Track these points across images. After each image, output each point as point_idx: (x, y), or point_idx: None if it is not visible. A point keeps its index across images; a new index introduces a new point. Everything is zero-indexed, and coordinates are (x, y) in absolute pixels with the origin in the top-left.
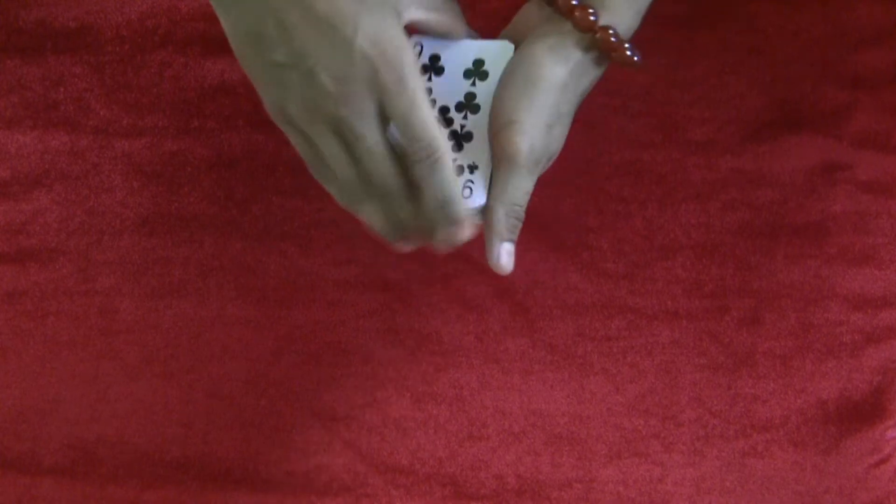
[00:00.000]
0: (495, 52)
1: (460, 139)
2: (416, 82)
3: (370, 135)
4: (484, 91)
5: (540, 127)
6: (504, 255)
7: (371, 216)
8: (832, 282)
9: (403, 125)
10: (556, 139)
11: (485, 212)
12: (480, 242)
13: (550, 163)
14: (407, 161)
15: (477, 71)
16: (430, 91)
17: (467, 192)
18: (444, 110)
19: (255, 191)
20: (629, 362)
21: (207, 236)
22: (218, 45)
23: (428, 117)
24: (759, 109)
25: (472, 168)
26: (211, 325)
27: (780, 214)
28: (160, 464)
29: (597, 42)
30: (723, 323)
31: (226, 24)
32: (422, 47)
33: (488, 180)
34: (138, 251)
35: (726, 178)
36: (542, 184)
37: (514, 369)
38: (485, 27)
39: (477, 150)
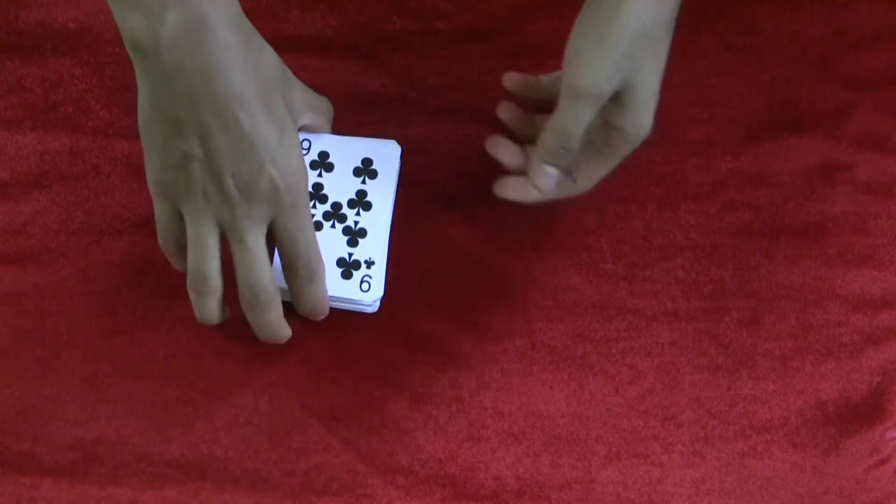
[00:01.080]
0: (383, 151)
1: (355, 235)
2: (307, 207)
3: (256, 240)
4: (375, 189)
5: (606, 62)
6: (544, 176)
7: (204, 310)
8: (832, 283)
9: (290, 243)
10: (636, 77)
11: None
12: (480, 245)
13: (648, 112)
14: (287, 273)
15: (366, 169)
16: (321, 186)
17: (366, 286)
18: (336, 206)
19: None
20: (628, 363)
21: None
22: None
23: (312, 239)
24: (758, 110)
25: (370, 263)
26: (210, 325)
27: (780, 215)
28: (160, 464)
29: None
30: (722, 324)
31: (145, 95)
32: (310, 143)
33: (385, 275)
34: (138, 251)
35: (726, 178)
36: None
37: (514, 370)
38: (485, 27)
39: (372, 245)
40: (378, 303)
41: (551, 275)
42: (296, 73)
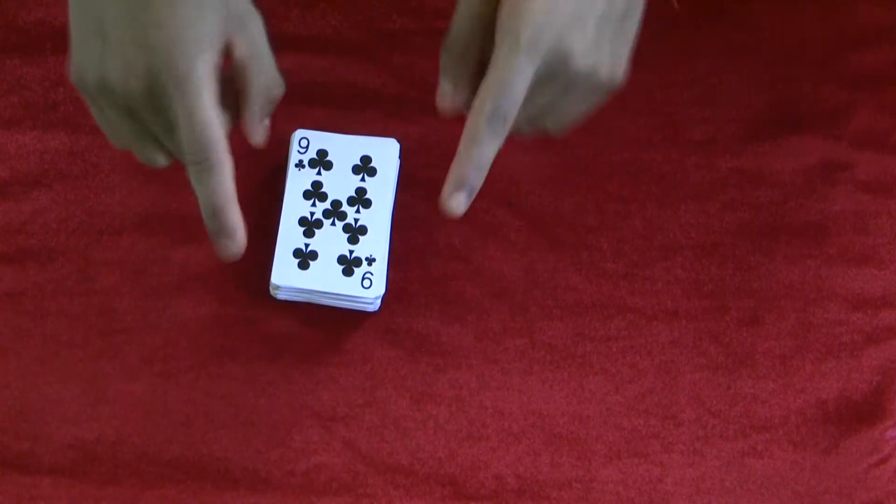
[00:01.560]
0: (382, 149)
1: (355, 232)
2: (204, 92)
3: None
4: (375, 186)
5: (552, 10)
6: (461, 198)
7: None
8: (832, 282)
9: (182, 125)
10: (585, 38)
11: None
12: (480, 245)
13: (606, 84)
14: (185, 163)
15: (365, 167)
16: (321, 184)
17: (367, 283)
18: (336, 204)
19: (255, 191)
20: (629, 362)
21: (207, 236)
22: None
23: (207, 122)
24: (758, 109)
25: (370, 260)
26: (210, 324)
27: (780, 214)
28: (160, 463)
29: None
30: (722, 323)
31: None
32: (308, 141)
33: (386, 272)
34: (138, 251)
35: (726, 177)
36: (541, 183)
37: (514, 369)
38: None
39: (373, 242)
40: (379, 300)
41: (551, 274)
42: (296, 72)
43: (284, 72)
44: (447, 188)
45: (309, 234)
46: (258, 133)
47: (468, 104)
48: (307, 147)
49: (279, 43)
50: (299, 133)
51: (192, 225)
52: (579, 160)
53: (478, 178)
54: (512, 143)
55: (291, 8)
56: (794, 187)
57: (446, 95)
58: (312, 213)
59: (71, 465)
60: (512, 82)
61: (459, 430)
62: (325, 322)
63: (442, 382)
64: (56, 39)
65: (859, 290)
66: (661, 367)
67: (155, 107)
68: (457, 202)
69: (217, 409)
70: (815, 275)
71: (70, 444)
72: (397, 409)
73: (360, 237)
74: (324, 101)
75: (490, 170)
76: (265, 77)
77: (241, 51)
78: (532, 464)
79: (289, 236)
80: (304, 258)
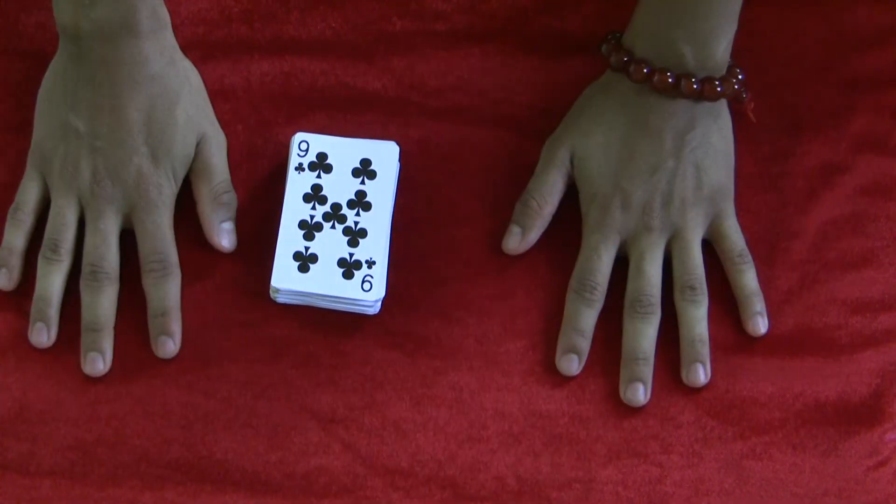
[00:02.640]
0: (381, 152)
1: (355, 235)
2: (165, 211)
3: (109, 223)
4: (374, 189)
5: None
6: (572, 363)
7: (46, 277)
8: (831, 285)
9: (144, 236)
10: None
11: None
12: (480, 247)
13: None
14: (141, 269)
15: (365, 170)
16: (320, 187)
17: (367, 286)
18: (336, 207)
19: (254, 194)
20: None
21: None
22: (217, 49)
23: (166, 238)
24: (757, 112)
25: (370, 263)
26: (209, 326)
27: (779, 217)
28: (159, 465)
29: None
30: (722, 325)
31: (55, 71)
32: (308, 144)
33: (386, 274)
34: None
35: None
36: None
37: (514, 371)
38: (485, 28)
39: (373, 245)
40: (379, 303)
41: (552, 275)
42: (296, 75)
43: (284, 75)
44: (558, 353)
45: (309, 237)
46: (216, 234)
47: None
48: (307, 150)
49: (279, 46)
50: (299, 136)
51: (192, 227)
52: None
53: (583, 343)
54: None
55: (291, 10)
56: (793, 190)
57: (515, 237)
58: (312, 217)
59: (70, 467)
60: (589, 258)
61: (459, 431)
62: (325, 324)
63: (442, 384)
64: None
65: (858, 293)
66: (661, 368)
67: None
68: (567, 365)
69: (217, 410)
70: (813, 278)
71: (70, 446)
72: (397, 410)
73: (360, 240)
74: (324, 103)
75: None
76: (212, 188)
77: (195, 165)
78: (532, 465)
79: (289, 239)
80: (305, 261)
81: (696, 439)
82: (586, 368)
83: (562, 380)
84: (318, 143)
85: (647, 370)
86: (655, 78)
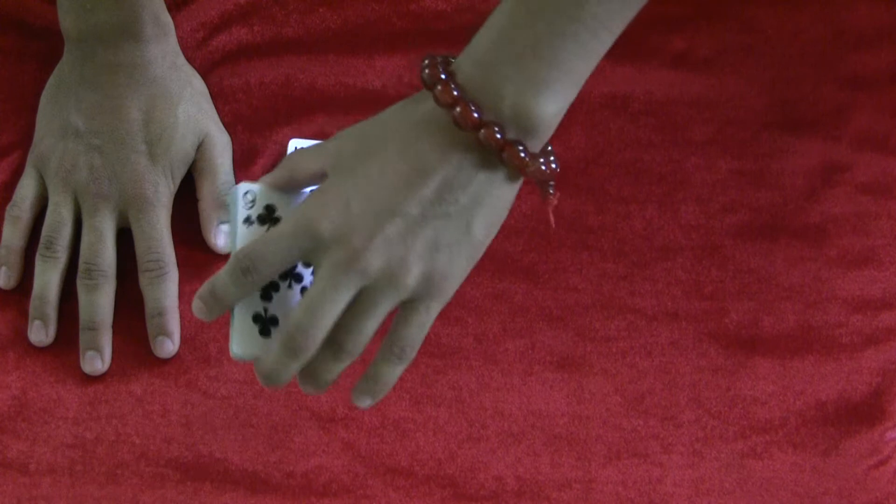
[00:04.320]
0: None
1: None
2: (163, 211)
3: (105, 221)
4: None
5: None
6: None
7: (43, 275)
8: (831, 283)
9: (141, 237)
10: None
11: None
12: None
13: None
14: (139, 270)
15: None
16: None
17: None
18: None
19: None
20: (628, 363)
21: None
22: (217, 51)
23: (163, 238)
24: (758, 110)
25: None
26: (209, 325)
27: (780, 216)
28: (159, 464)
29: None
30: (722, 324)
31: (59, 73)
32: (255, 196)
33: None
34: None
35: (726, 179)
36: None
37: (514, 370)
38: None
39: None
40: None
41: (551, 274)
42: (296, 76)
43: (284, 76)
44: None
45: (266, 296)
46: (213, 234)
47: None
48: (253, 202)
49: (278, 47)
50: (243, 186)
51: (192, 227)
52: (580, 161)
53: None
54: None
55: (291, 12)
56: (793, 189)
57: None
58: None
59: (70, 465)
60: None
61: (459, 431)
62: None
63: (441, 384)
64: (57, 42)
65: (859, 291)
66: (661, 368)
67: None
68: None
69: (216, 409)
70: (814, 277)
71: (69, 444)
72: (397, 410)
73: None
74: (324, 104)
75: None
76: (214, 188)
77: (196, 165)
78: (532, 464)
79: (245, 302)
80: (265, 323)
81: (697, 439)
82: (585, 369)
83: (561, 379)
84: (267, 196)
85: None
86: (459, 108)
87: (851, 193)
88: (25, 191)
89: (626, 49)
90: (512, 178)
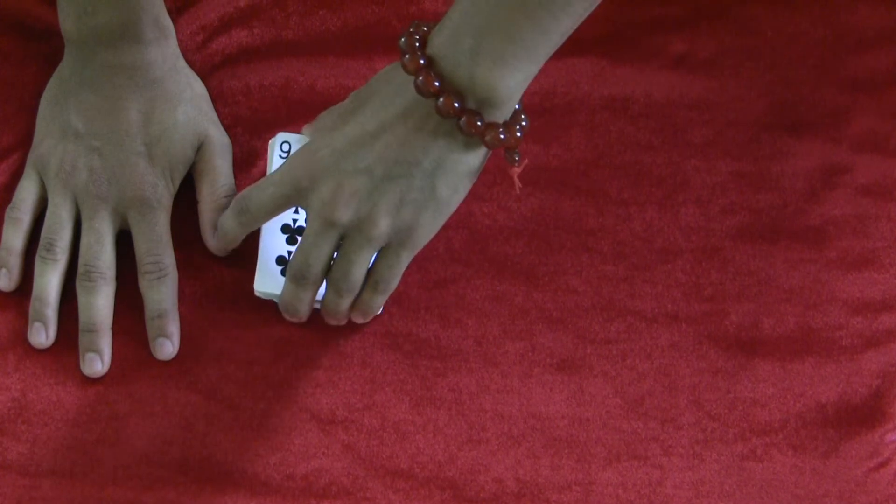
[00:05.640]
0: None
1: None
2: (162, 214)
3: (103, 223)
4: None
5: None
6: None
7: (43, 276)
8: (832, 285)
9: (140, 238)
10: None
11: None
12: (479, 248)
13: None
14: (138, 271)
15: None
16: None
17: None
18: None
19: None
20: (628, 365)
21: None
22: (216, 54)
23: (161, 240)
24: (758, 112)
25: None
26: (209, 327)
27: (780, 218)
28: (159, 465)
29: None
30: (722, 326)
31: (59, 76)
32: (290, 146)
33: None
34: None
35: (726, 181)
36: (541, 186)
37: (513, 373)
38: None
39: None
40: (381, 306)
41: (551, 277)
42: (296, 78)
43: (284, 78)
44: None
45: (292, 241)
46: (210, 236)
47: None
48: (289, 151)
49: (278, 49)
50: (281, 136)
51: (190, 228)
52: (579, 163)
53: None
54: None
55: (290, 15)
56: (793, 191)
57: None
58: (295, 220)
59: (71, 467)
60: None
61: (459, 433)
62: (325, 325)
63: (441, 386)
64: (57, 44)
65: (859, 293)
66: (661, 370)
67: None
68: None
69: (217, 411)
70: (814, 279)
71: (70, 446)
72: (397, 412)
73: None
74: (323, 106)
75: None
76: (213, 190)
77: (197, 167)
78: (532, 467)
79: (271, 244)
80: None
81: (697, 441)
82: (585, 371)
83: (561, 381)
84: (300, 143)
85: None
86: (422, 76)
87: (852, 195)
88: (25, 193)
89: (625, 51)
90: (470, 145)
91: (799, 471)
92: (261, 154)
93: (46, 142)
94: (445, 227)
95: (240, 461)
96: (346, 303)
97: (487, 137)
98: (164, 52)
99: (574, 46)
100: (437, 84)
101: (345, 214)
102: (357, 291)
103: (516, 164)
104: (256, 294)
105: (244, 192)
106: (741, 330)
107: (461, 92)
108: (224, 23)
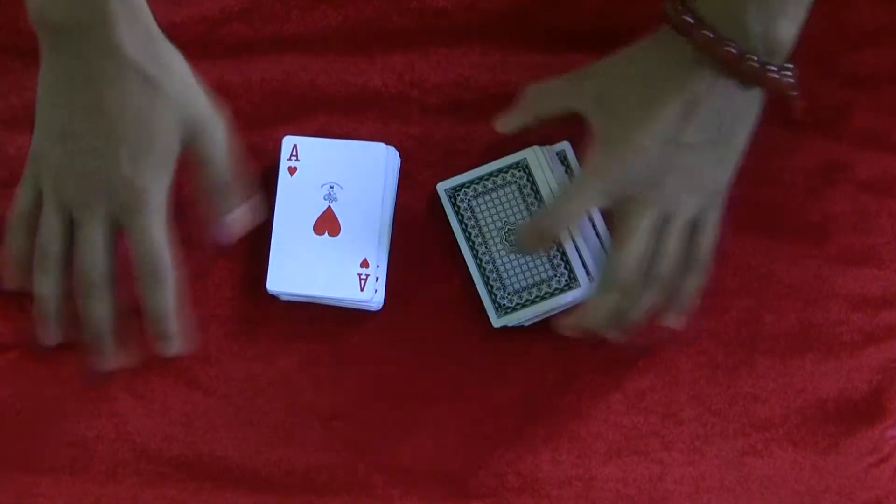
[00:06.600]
0: (370, 153)
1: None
2: (157, 214)
3: (97, 230)
4: (367, 189)
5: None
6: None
7: (42, 289)
8: (832, 281)
9: (134, 243)
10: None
11: None
12: None
13: None
14: (135, 275)
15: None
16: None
17: (364, 284)
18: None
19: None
20: (629, 361)
21: (207, 237)
22: (217, 48)
23: (156, 243)
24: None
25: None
26: (209, 324)
27: (780, 214)
28: (159, 462)
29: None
30: (723, 322)
31: (48, 72)
32: (297, 148)
33: (386, 272)
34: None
35: None
36: None
37: (514, 368)
38: (485, 25)
39: (371, 244)
40: (381, 299)
41: None
42: (296, 73)
43: (284, 73)
44: None
45: None
46: (214, 227)
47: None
48: (295, 155)
49: (279, 44)
50: (289, 139)
51: (192, 226)
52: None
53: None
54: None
55: (291, 9)
56: (794, 187)
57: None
58: None
59: (71, 464)
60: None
61: (459, 428)
62: (326, 322)
63: (442, 381)
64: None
65: (859, 289)
66: (662, 365)
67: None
68: None
69: (217, 408)
70: (815, 275)
71: (70, 443)
72: (397, 407)
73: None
74: (324, 101)
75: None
76: (208, 180)
77: (191, 156)
78: (532, 461)
79: (284, 242)
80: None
81: (697, 436)
82: (586, 365)
83: (563, 376)
84: (308, 145)
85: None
86: (719, 49)
87: (852, 192)
88: (23, 200)
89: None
90: (751, 91)
91: (799, 466)
92: (261, 149)
93: (39, 145)
94: (447, 222)
95: (240, 457)
96: (652, 297)
97: (784, 83)
98: (135, 31)
99: (572, 42)
100: (734, 52)
101: (675, 197)
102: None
103: (795, 100)
104: (270, 293)
105: (551, 209)
106: (742, 325)
107: (752, 50)
108: (225, 16)
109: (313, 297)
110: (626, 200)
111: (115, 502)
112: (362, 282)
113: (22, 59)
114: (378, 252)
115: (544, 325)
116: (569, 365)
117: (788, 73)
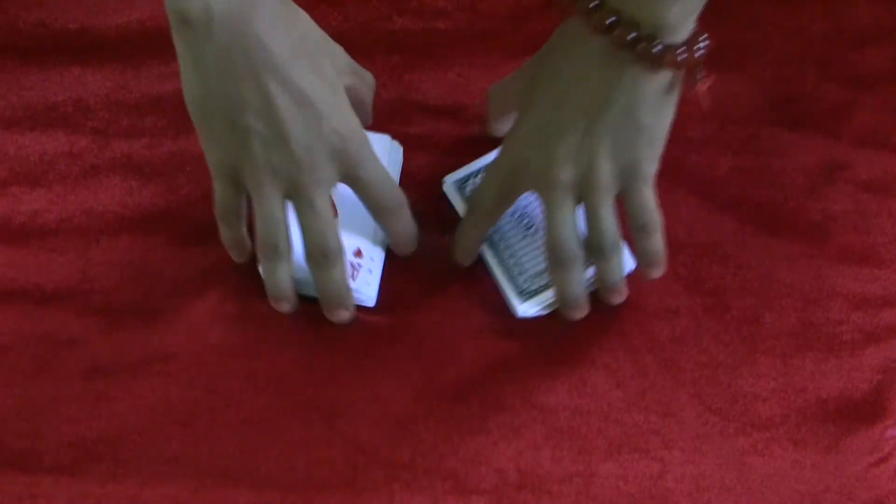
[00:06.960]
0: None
1: None
2: (374, 154)
3: (323, 202)
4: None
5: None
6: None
7: (273, 274)
8: (832, 281)
9: (368, 187)
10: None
11: None
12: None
13: None
14: (374, 215)
15: None
16: None
17: (355, 275)
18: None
19: None
20: (630, 359)
21: (206, 236)
22: None
23: (389, 178)
24: (759, 108)
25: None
26: (209, 322)
27: (781, 213)
28: (160, 461)
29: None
30: (723, 321)
31: (194, 74)
32: None
33: (382, 268)
34: (137, 251)
35: (726, 176)
36: None
37: (515, 364)
38: (486, 26)
39: (367, 237)
40: (374, 295)
41: None
42: None
43: None
44: None
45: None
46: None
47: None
48: None
49: None
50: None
51: (190, 225)
52: None
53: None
54: None
55: None
56: (794, 186)
57: None
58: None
59: (71, 463)
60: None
61: (460, 423)
62: (326, 320)
63: (442, 377)
64: (55, 40)
65: (860, 289)
66: (663, 364)
67: (327, 183)
68: None
69: (217, 405)
70: (815, 274)
71: (70, 442)
72: (398, 403)
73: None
74: None
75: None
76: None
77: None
78: (533, 458)
79: (295, 235)
80: None
81: (698, 435)
82: (587, 363)
83: (563, 373)
84: None
85: None
86: (615, 33)
87: (852, 191)
88: (223, 197)
89: None
90: (654, 70)
91: (799, 465)
92: None
93: (230, 155)
94: (448, 222)
95: (240, 454)
96: (616, 264)
97: (667, 59)
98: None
99: None
100: (611, 20)
101: (566, 173)
102: (620, 246)
103: (699, 82)
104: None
105: (472, 196)
106: (742, 324)
107: (634, 23)
108: None
109: (307, 281)
110: (527, 182)
111: (114, 502)
112: (354, 271)
113: (22, 58)
114: (373, 245)
115: (544, 323)
116: (569, 362)
117: (689, 51)
